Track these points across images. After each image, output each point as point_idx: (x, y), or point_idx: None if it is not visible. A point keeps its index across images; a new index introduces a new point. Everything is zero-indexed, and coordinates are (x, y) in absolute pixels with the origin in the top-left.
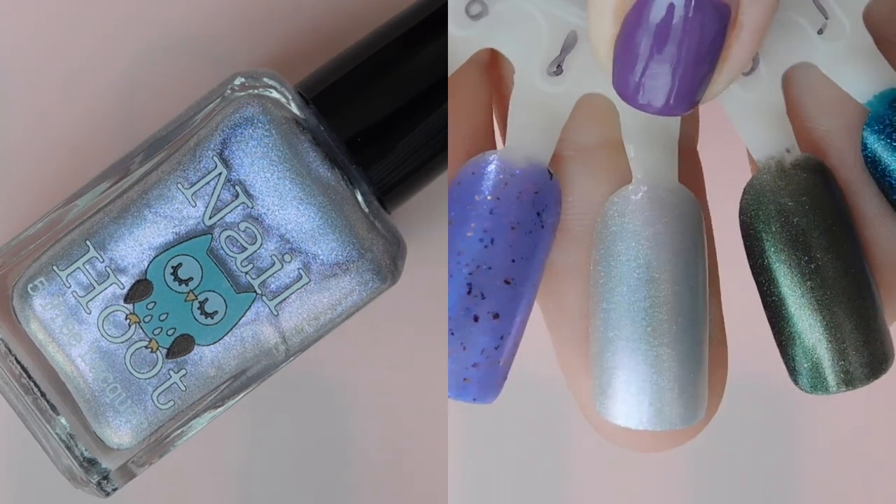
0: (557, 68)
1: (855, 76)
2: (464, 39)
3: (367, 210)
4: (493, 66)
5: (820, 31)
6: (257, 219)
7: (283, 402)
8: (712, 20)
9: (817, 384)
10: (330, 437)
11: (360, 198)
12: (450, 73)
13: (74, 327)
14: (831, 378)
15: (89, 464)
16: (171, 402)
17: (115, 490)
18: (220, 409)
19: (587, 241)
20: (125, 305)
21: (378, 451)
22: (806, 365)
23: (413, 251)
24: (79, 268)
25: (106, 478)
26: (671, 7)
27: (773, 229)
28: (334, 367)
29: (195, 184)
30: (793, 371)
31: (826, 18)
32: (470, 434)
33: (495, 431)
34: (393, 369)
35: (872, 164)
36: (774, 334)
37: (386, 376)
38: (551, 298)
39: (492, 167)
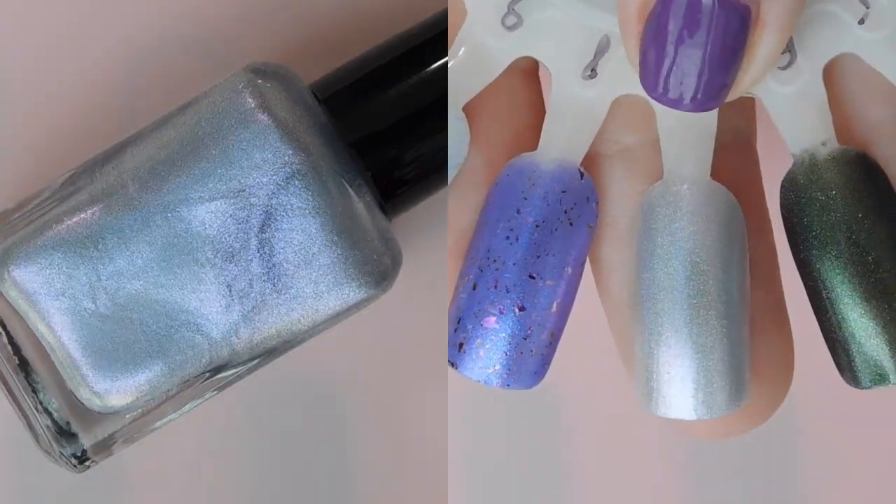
0: (592, 72)
1: None
2: (500, 50)
3: (367, 215)
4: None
5: (861, 21)
6: (255, 216)
7: (283, 403)
8: (733, 19)
9: (876, 378)
10: (330, 437)
11: (360, 202)
12: (488, 82)
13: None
14: (890, 368)
15: (67, 435)
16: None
17: (92, 463)
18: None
19: (629, 236)
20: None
21: (378, 451)
22: (857, 361)
23: (413, 251)
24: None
25: (84, 452)
26: (691, 6)
27: (805, 223)
28: (335, 367)
29: None
30: (846, 368)
31: (867, 7)
32: (470, 434)
33: (496, 431)
34: (393, 369)
35: None
36: (821, 328)
37: (386, 376)
38: (603, 290)
39: (522, 169)
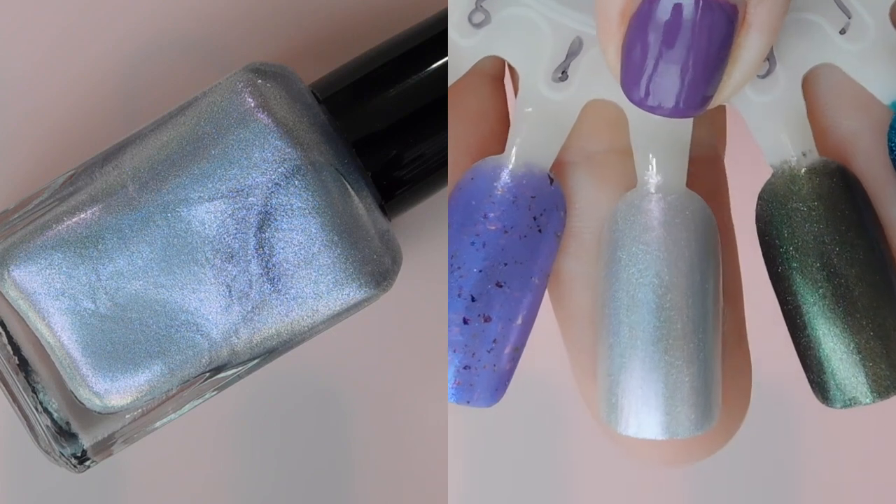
0: (563, 74)
1: (880, 77)
2: (466, 48)
3: (367, 215)
4: (509, 74)
5: (842, 32)
6: (254, 216)
7: (283, 403)
8: (719, 20)
9: (850, 399)
10: (330, 437)
11: (360, 202)
12: (452, 80)
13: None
14: (863, 390)
15: (66, 435)
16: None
17: (92, 463)
18: (200, 400)
19: (595, 248)
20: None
21: (378, 451)
22: (832, 380)
23: (413, 251)
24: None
25: (83, 452)
26: (677, 8)
27: (785, 235)
28: (335, 367)
29: None
30: (819, 387)
31: (849, 18)
32: (470, 434)
33: (495, 432)
34: (393, 369)
35: None
36: (795, 346)
37: (386, 376)
38: (561, 304)
39: (489, 173)
